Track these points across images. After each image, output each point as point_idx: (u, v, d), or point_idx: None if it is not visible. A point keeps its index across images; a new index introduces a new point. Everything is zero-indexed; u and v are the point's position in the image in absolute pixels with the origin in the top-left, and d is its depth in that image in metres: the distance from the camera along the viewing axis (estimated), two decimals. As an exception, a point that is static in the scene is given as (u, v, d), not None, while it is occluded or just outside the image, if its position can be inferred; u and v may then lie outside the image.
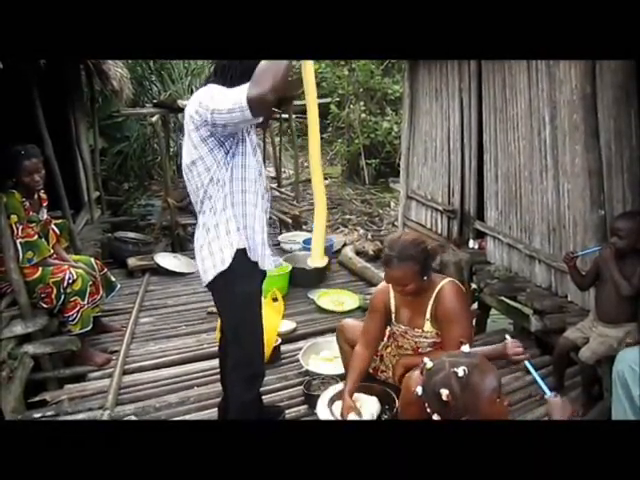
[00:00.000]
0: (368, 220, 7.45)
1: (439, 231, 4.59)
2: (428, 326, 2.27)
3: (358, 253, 5.13)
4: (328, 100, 9.27)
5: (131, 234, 5.47)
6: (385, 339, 2.53)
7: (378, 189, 8.88)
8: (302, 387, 2.72)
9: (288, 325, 3.55)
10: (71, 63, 5.13)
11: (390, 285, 2.29)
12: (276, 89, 1.68)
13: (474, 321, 3.30)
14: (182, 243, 5.76)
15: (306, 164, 8.48)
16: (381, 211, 7.86)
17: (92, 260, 3.40)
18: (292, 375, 2.96)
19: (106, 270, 3.51)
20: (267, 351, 2.66)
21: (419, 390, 1.53)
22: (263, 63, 1.68)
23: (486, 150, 3.88)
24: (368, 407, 2.35)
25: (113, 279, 3.58)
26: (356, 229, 6.72)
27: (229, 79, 1.86)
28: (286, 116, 6.91)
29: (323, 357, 3.02)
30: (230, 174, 1.92)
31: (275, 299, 3.53)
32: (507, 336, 2.07)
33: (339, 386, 2.49)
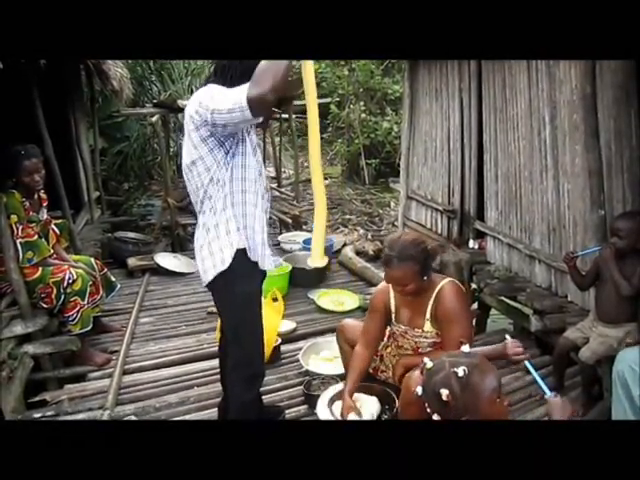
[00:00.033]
0: (368, 220, 7.44)
1: (439, 231, 4.58)
2: (428, 326, 2.27)
3: (358, 253, 5.12)
4: (328, 100, 9.26)
5: (131, 234, 5.46)
6: (385, 339, 2.53)
7: (378, 189, 8.88)
8: (302, 387, 2.72)
9: (288, 325, 3.55)
10: (71, 63, 5.13)
11: (390, 285, 2.29)
12: (276, 89, 1.68)
13: (474, 321, 3.30)
14: (182, 243, 5.76)
15: (306, 164, 8.48)
16: (381, 211, 7.86)
17: (92, 260, 3.40)
18: (292, 375, 2.96)
19: (106, 270, 3.51)
20: (267, 351, 2.66)
21: (419, 390, 1.53)
22: (263, 63, 1.68)
23: (486, 150, 3.87)
24: (368, 407, 2.34)
25: (113, 279, 3.58)
26: (356, 229, 6.71)
27: (229, 79, 1.86)
28: (286, 116, 6.91)
29: (323, 357, 3.02)
30: (230, 174, 1.93)
31: (275, 299, 3.53)
32: (507, 336, 2.07)
33: (339, 386, 2.49)
